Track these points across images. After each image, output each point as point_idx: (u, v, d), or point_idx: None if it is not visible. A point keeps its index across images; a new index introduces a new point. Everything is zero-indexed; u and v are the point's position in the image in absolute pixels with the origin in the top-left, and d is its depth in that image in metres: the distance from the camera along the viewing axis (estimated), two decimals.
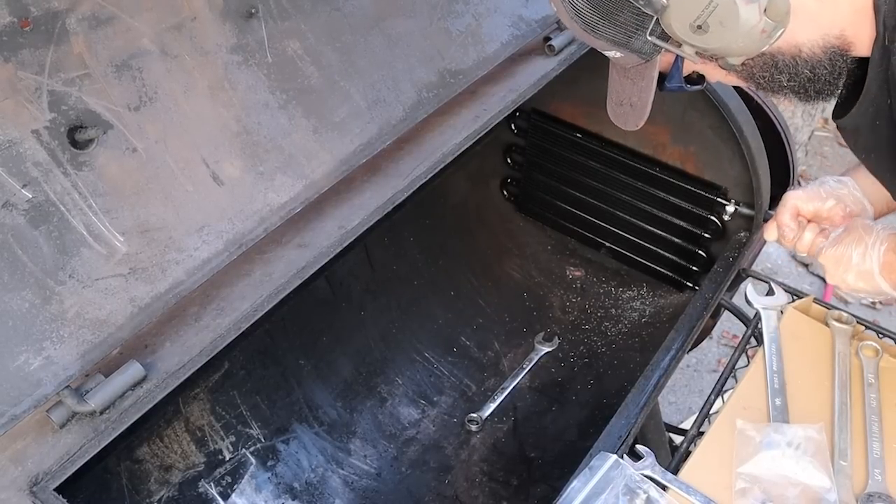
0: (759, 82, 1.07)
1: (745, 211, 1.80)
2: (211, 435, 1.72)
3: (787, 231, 1.35)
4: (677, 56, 1.08)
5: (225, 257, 1.13)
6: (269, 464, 1.77)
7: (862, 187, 1.34)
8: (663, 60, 1.09)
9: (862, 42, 1.01)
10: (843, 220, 1.33)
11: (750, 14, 0.93)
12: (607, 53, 1.10)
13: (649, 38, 1.01)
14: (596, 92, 1.94)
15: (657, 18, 0.99)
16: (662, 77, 1.13)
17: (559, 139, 2.12)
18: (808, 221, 1.36)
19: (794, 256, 3.57)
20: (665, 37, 1.02)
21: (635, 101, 1.16)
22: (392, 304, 2.13)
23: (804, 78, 1.04)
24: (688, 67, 1.12)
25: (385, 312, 2.11)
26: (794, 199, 1.36)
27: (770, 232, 1.39)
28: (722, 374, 1.38)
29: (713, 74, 1.12)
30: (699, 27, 0.96)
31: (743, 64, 1.04)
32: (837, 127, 1.15)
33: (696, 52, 1.02)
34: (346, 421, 1.92)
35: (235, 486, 1.71)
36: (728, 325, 3.17)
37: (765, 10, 0.93)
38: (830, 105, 1.17)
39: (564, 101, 2.07)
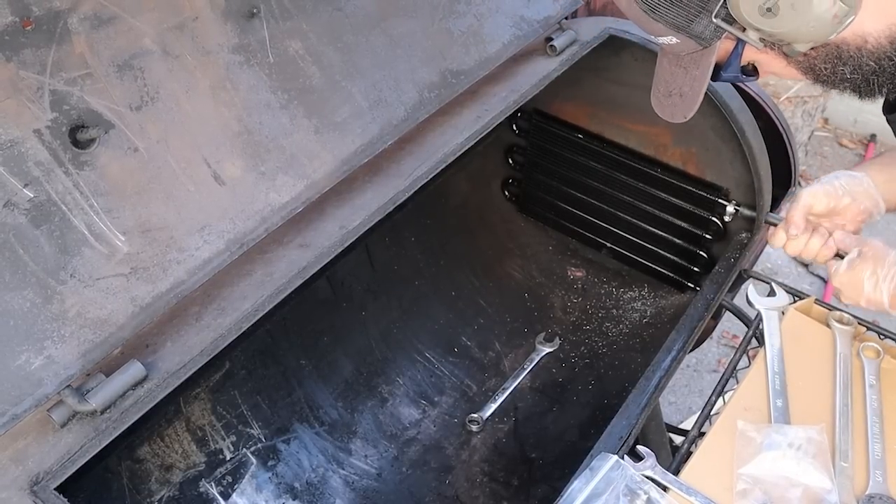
0: (819, 74, 1.03)
1: (747, 212, 1.80)
2: (212, 434, 1.72)
3: (795, 230, 1.32)
4: (737, 43, 1.04)
5: (226, 257, 1.13)
6: (269, 464, 1.77)
7: (877, 184, 1.32)
8: (720, 49, 1.05)
9: None
10: (856, 217, 1.32)
11: None
12: (662, 40, 1.06)
13: (714, 20, 0.97)
14: (597, 92, 1.95)
15: (724, 1, 0.96)
16: (717, 67, 1.09)
17: (560, 140, 2.12)
18: (816, 223, 1.35)
19: (794, 257, 3.57)
20: (730, 20, 0.98)
21: (686, 91, 1.12)
22: (393, 305, 2.13)
23: (868, 70, 1.00)
24: (744, 58, 1.08)
25: (386, 312, 2.11)
26: (808, 195, 1.32)
27: (777, 238, 1.37)
28: (723, 374, 1.38)
29: (771, 65, 1.08)
30: (769, 10, 0.93)
31: (805, 54, 1.01)
32: (889, 122, 1.13)
33: (761, 38, 0.98)
34: (346, 421, 1.92)
35: (236, 486, 1.71)
36: (729, 325, 3.17)
37: None
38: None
39: (566, 102, 2.07)
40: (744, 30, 0.98)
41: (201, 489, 1.66)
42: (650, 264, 2.13)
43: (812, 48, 0.99)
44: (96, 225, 1.02)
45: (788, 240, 1.35)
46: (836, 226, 1.35)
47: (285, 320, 1.88)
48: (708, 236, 1.92)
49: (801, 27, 0.94)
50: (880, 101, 1.15)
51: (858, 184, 1.32)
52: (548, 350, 2.10)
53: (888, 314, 1.26)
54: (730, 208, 1.82)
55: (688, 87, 1.11)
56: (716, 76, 1.09)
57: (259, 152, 1.19)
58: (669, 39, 1.04)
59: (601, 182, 2.09)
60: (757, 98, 1.87)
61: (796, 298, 1.49)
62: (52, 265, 0.98)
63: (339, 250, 1.25)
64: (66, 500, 0.94)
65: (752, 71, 1.11)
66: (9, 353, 0.94)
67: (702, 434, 1.28)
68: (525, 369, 2.06)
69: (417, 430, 1.96)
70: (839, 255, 1.33)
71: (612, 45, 1.73)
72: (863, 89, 1.04)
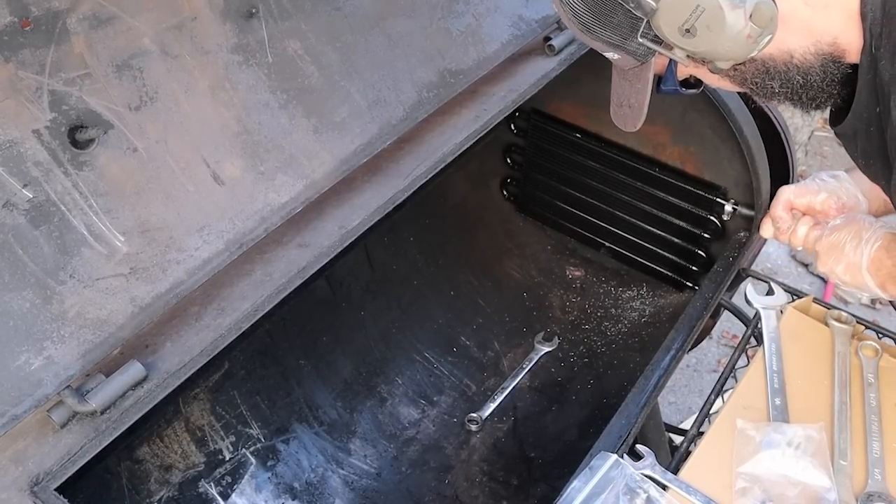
0: (752, 88, 1.09)
1: (745, 211, 1.80)
2: (211, 435, 1.72)
3: (781, 224, 1.38)
4: (670, 62, 1.10)
5: (226, 257, 1.13)
6: (269, 464, 1.77)
7: (860, 184, 1.35)
8: (658, 63, 1.11)
9: (855, 50, 1.02)
10: (838, 213, 1.34)
11: (735, 19, 0.94)
12: (606, 55, 1.12)
13: (641, 40, 1.03)
14: (596, 92, 1.95)
15: (648, 21, 1.00)
16: (659, 80, 1.14)
17: (559, 139, 2.12)
18: (803, 215, 1.38)
19: (793, 256, 3.57)
20: (658, 40, 1.03)
21: (633, 103, 1.17)
22: (392, 304, 2.13)
23: (796, 84, 1.05)
24: (683, 71, 1.14)
25: (385, 312, 2.11)
26: (786, 192, 1.38)
27: (765, 228, 1.42)
28: (722, 373, 1.38)
29: (707, 79, 1.13)
30: (687, 31, 0.97)
31: (735, 69, 1.06)
32: (836, 134, 1.16)
33: (687, 56, 1.03)
34: (346, 421, 1.92)
35: (235, 486, 1.71)
36: (728, 324, 3.17)
37: (750, 16, 0.94)
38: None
39: (564, 101, 2.08)
40: (671, 48, 1.03)
41: (201, 489, 1.66)
42: (649, 263, 2.13)
43: (740, 63, 1.04)
44: (95, 225, 1.02)
45: (776, 231, 1.40)
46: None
47: (284, 320, 1.88)
48: (706, 235, 1.92)
49: (717, 47, 0.98)
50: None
51: (836, 180, 1.36)
52: (547, 349, 2.10)
53: (865, 289, 1.26)
54: (728, 207, 1.82)
55: (634, 98, 1.16)
56: (658, 89, 1.15)
57: (258, 152, 1.19)
58: (612, 55, 1.11)
59: (600, 181, 2.09)
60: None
61: (795, 297, 1.49)
62: (52, 265, 0.98)
63: (339, 250, 1.25)
64: (65, 500, 0.94)
65: (693, 83, 1.17)
66: (8, 353, 0.94)
67: (701, 433, 1.28)
68: (524, 369, 2.06)
69: (417, 429, 1.96)
70: None
71: None
72: (797, 102, 1.09)
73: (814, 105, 1.09)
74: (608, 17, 1.04)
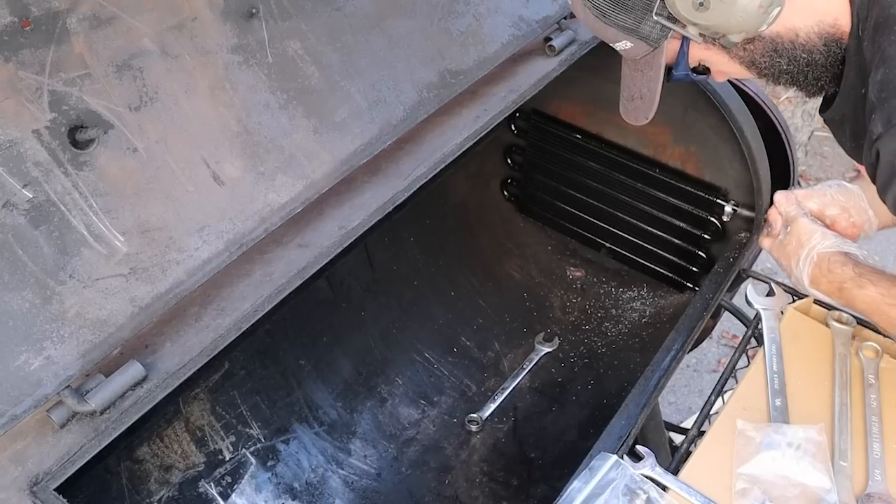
0: (760, 68, 1.13)
1: (745, 212, 1.80)
2: (211, 435, 1.72)
3: (783, 207, 1.36)
4: (682, 44, 1.13)
5: (225, 257, 1.13)
6: (269, 464, 1.77)
7: (870, 198, 1.33)
8: (669, 50, 1.15)
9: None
10: (847, 231, 1.33)
11: None
12: (617, 46, 1.16)
13: (656, 18, 1.08)
14: (596, 92, 1.95)
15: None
16: (669, 69, 1.18)
17: (559, 140, 2.12)
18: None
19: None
20: (672, 18, 1.08)
21: (645, 93, 1.21)
22: (392, 305, 2.13)
23: (801, 62, 1.09)
24: (693, 58, 1.17)
25: (385, 312, 2.11)
26: (795, 193, 1.39)
27: (763, 240, 1.42)
28: (722, 374, 1.38)
29: (717, 63, 1.17)
30: (701, 4, 1.02)
31: (745, 49, 1.10)
32: (825, 122, 1.19)
33: (700, 33, 1.08)
34: (346, 421, 1.91)
35: (235, 486, 1.71)
36: (728, 325, 3.17)
37: None
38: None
39: (565, 102, 2.07)
40: (684, 26, 1.08)
41: (200, 489, 1.66)
42: (649, 264, 2.13)
43: (749, 42, 1.09)
44: (95, 225, 1.02)
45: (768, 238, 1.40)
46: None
47: (284, 320, 1.88)
48: (707, 236, 1.92)
49: (730, 18, 1.04)
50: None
51: (847, 195, 1.35)
52: (547, 350, 2.10)
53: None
54: (728, 208, 1.82)
55: (645, 88, 1.21)
56: (668, 76, 1.19)
57: (258, 152, 1.19)
58: (624, 45, 1.15)
59: (600, 182, 2.09)
60: (756, 98, 1.87)
61: (795, 298, 1.49)
62: (52, 266, 0.98)
63: (339, 250, 1.25)
64: (65, 500, 0.94)
65: (703, 70, 1.20)
66: (8, 353, 0.93)
67: (701, 433, 1.28)
68: (524, 369, 2.06)
69: (417, 430, 1.96)
70: None
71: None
72: (802, 83, 1.13)
73: (818, 85, 1.13)
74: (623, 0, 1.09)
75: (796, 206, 1.34)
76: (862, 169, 1.20)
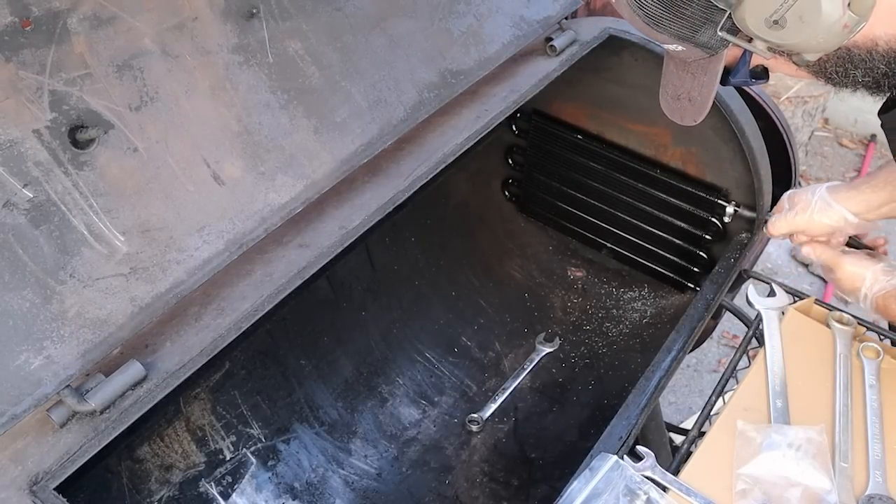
0: (830, 77, 1.03)
1: (746, 213, 1.80)
2: (211, 435, 1.72)
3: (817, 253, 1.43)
4: (745, 53, 1.04)
5: (226, 257, 1.13)
6: (269, 464, 1.77)
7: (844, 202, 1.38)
8: (729, 55, 1.05)
9: None
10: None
11: (833, 8, 0.88)
12: (667, 47, 1.06)
13: (720, 33, 0.97)
14: (597, 93, 1.95)
15: (729, 13, 0.95)
16: (726, 71, 1.08)
17: (560, 140, 2.12)
18: None
19: (794, 257, 3.57)
20: (735, 31, 0.97)
21: (695, 96, 1.12)
22: (393, 305, 2.13)
23: (879, 73, 0.99)
24: (753, 61, 1.08)
25: (386, 312, 2.11)
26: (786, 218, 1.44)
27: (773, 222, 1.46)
28: (723, 374, 1.38)
29: (780, 69, 1.07)
30: (776, 22, 0.91)
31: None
32: (884, 127, 1.13)
33: (769, 48, 0.98)
34: (346, 421, 1.92)
35: (236, 486, 1.71)
36: (729, 325, 3.17)
37: (849, 4, 0.88)
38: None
39: (566, 102, 2.07)
40: (750, 40, 0.97)
41: (201, 489, 1.66)
42: (650, 264, 2.12)
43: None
44: (95, 225, 1.02)
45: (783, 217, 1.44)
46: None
47: (285, 320, 1.88)
48: (708, 237, 1.92)
49: (809, 39, 0.92)
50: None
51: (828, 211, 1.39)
52: (548, 350, 2.10)
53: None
54: (729, 209, 1.82)
55: (696, 91, 1.11)
56: (724, 80, 1.09)
57: (258, 152, 1.19)
58: (675, 47, 1.04)
59: (601, 182, 2.09)
60: (757, 98, 1.87)
61: (796, 298, 1.49)
62: (52, 265, 0.98)
63: (339, 250, 1.25)
64: (65, 500, 0.94)
65: (762, 73, 1.11)
66: (8, 353, 0.94)
67: (701, 434, 1.28)
68: (525, 369, 2.06)
69: (417, 430, 1.96)
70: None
71: (612, 45, 1.72)
72: (874, 90, 1.04)
73: (890, 91, 1.04)
74: (680, 9, 0.97)
75: (824, 248, 1.42)
76: None
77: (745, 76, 1.08)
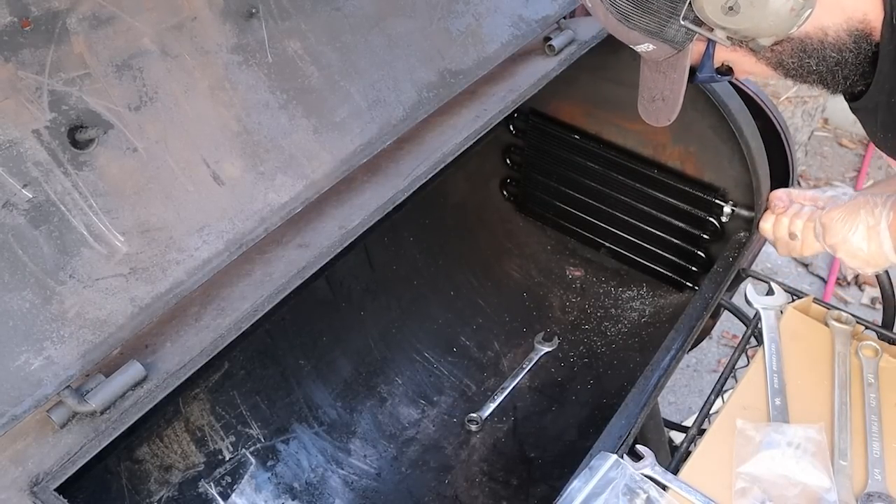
0: (787, 68, 1.11)
1: (744, 212, 1.80)
2: (211, 435, 1.72)
3: (777, 203, 1.41)
4: (708, 46, 1.11)
5: (225, 257, 1.13)
6: (268, 464, 1.77)
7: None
8: (694, 52, 1.12)
9: (880, 26, 1.04)
10: None
11: None
12: (639, 48, 1.13)
13: (682, 22, 1.05)
14: (595, 93, 1.95)
15: (690, 2, 1.02)
16: (693, 70, 1.16)
17: (558, 140, 2.12)
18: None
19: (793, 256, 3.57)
20: (698, 22, 1.05)
21: (667, 95, 1.19)
22: (392, 304, 2.13)
23: (832, 62, 1.07)
24: (717, 58, 1.15)
25: (385, 312, 2.11)
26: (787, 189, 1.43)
27: (766, 219, 1.44)
28: (722, 373, 1.38)
29: (743, 64, 1.15)
30: (730, 8, 1.00)
31: (772, 50, 1.08)
32: (853, 110, 1.17)
33: (728, 37, 1.06)
34: (345, 421, 1.92)
35: (235, 486, 1.71)
36: (728, 324, 3.17)
37: None
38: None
39: (564, 102, 2.07)
40: (711, 30, 1.06)
41: (200, 489, 1.66)
42: (649, 264, 2.13)
43: (777, 43, 1.07)
44: (95, 225, 1.02)
45: (775, 218, 1.42)
46: None
47: (284, 320, 1.88)
48: (706, 236, 1.92)
49: (761, 22, 1.01)
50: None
51: (842, 194, 1.36)
52: (546, 349, 2.10)
53: (880, 256, 1.27)
54: (726, 209, 1.82)
55: (668, 90, 1.18)
56: (692, 78, 1.16)
57: (258, 152, 1.19)
58: (647, 47, 1.12)
59: (599, 182, 2.09)
60: (756, 98, 1.87)
61: (795, 297, 1.49)
62: (52, 266, 0.98)
63: (338, 250, 1.25)
64: (65, 500, 0.94)
65: (726, 71, 1.18)
66: (8, 353, 0.93)
67: (701, 433, 1.28)
68: (524, 369, 2.06)
69: (416, 429, 1.96)
70: None
71: (611, 45, 1.71)
72: (829, 81, 1.11)
73: (847, 84, 1.11)
74: (647, 3, 1.06)
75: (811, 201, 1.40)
76: (892, 162, 1.21)
77: (710, 71, 1.15)
